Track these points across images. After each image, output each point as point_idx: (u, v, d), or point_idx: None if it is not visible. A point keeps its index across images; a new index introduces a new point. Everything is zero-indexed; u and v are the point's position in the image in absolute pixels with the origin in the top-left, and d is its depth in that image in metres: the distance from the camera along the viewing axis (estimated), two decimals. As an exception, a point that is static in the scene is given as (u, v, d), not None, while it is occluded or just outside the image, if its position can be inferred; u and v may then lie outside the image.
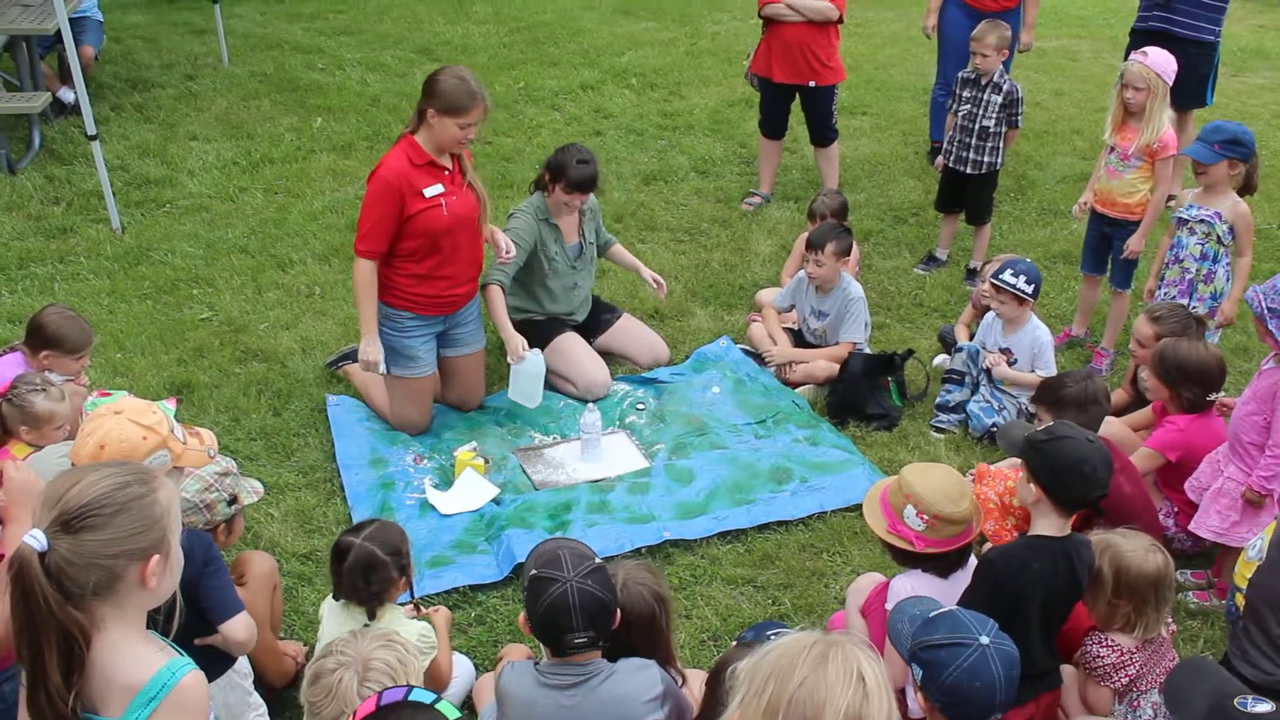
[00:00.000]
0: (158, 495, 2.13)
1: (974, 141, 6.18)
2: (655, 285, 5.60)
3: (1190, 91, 6.65)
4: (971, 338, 5.50)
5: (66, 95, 8.03)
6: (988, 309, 5.42)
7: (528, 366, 5.01)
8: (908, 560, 3.44)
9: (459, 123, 4.53)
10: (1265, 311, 3.83)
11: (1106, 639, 3.35)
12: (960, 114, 6.23)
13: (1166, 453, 4.35)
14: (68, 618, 2.03)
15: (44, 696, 2.05)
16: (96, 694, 2.11)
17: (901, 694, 3.22)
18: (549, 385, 5.28)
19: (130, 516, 2.08)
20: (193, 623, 2.82)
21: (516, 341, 5.02)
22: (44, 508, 2.07)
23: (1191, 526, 4.13)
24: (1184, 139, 6.29)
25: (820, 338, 5.61)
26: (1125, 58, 6.61)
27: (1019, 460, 3.44)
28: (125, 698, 2.10)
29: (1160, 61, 5.21)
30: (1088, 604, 3.37)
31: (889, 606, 3.31)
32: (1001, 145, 6.22)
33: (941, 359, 5.57)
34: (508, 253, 5.01)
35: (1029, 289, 5.13)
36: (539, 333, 5.31)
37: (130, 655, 2.13)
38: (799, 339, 5.69)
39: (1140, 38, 6.66)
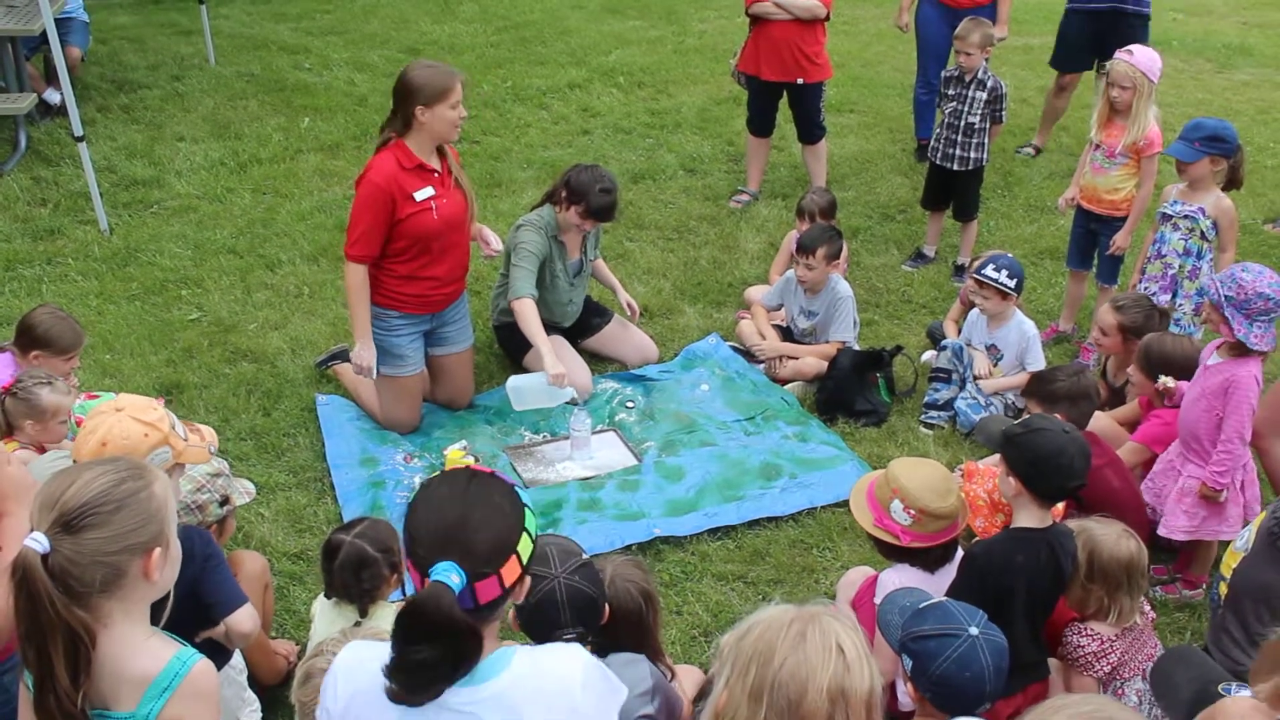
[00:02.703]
0: (153, 489, 2.16)
1: (959, 138, 6.21)
2: (629, 310, 5.61)
3: None
4: (960, 333, 5.53)
5: (52, 96, 8.01)
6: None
7: (555, 393, 4.97)
8: (893, 554, 3.47)
9: (449, 104, 4.52)
10: (1222, 300, 3.85)
11: (1086, 628, 3.38)
12: (946, 111, 6.26)
13: (1153, 446, 4.38)
14: (73, 618, 2.05)
15: (53, 699, 2.07)
16: (107, 689, 2.13)
17: (891, 686, 3.24)
18: None
19: (129, 512, 2.11)
20: (191, 618, 2.83)
21: (561, 369, 4.89)
22: (42, 510, 2.09)
23: (1162, 532, 4.12)
24: None
25: (809, 336, 5.63)
26: (1060, 37, 7.50)
27: (1003, 456, 3.47)
28: (138, 690, 2.13)
29: (1146, 61, 5.24)
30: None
31: (878, 601, 3.33)
32: (987, 141, 6.26)
33: (930, 355, 5.59)
34: (495, 249, 5.02)
35: (1011, 283, 5.16)
36: (523, 337, 5.30)
37: (139, 648, 2.16)
38: (787, 336, 5.71)
39: (1085, 18, 7.34)
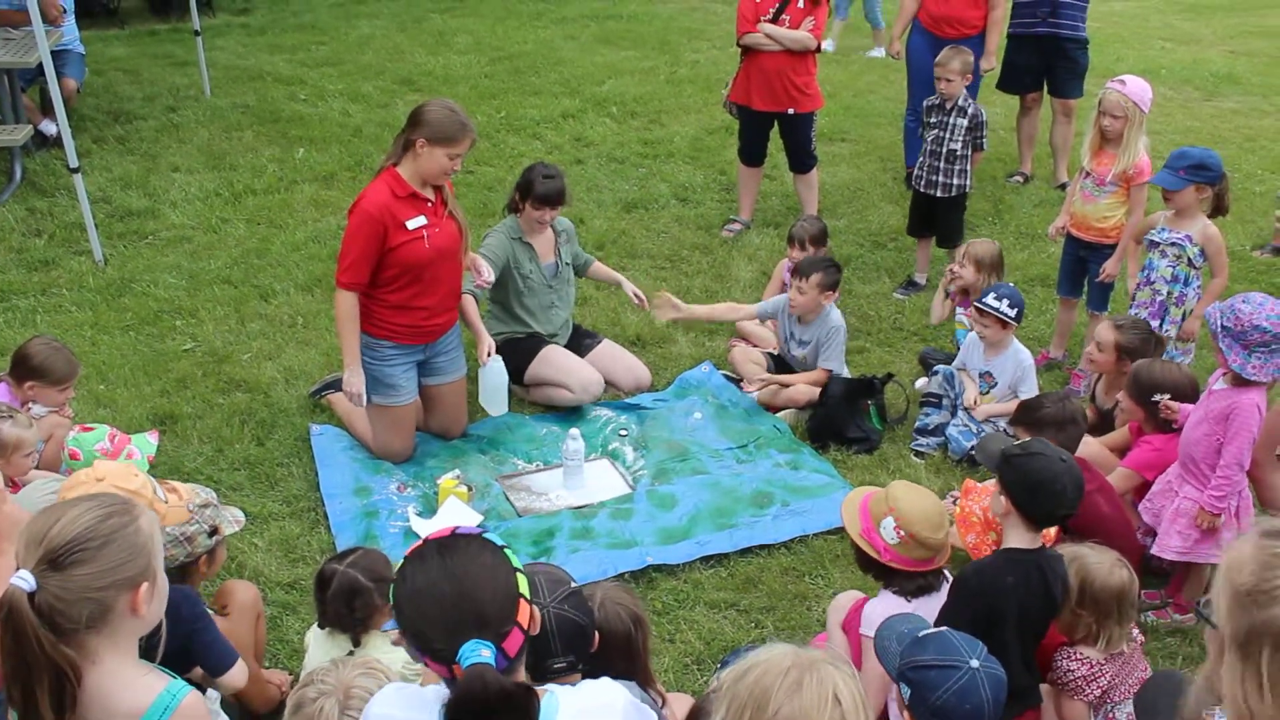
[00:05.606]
0: (139, 523, 2.16)
1: (942, 165, 6.28)
2: (636, 300, 5.67)
3: (1077, 83, 7.85)
4: (952, 312, 5.56)
5: (48, 128, 8.06)
6: (964, 291, 5.48)
7: (488, 375, 5.07)
8: (869, 568, 3.49)
9: (449, 153, 4.58)
10: (1219, 329, 3.87)
11: (1075, 653, 3.38)
12: (928, 138, 6.33)
13: (1144, 472, 4.39)
14: (60, 656, 2.05)
15: None
16: None
17: (883, 715, 3.24)
18: (539, 408, 5.42)
19: (116, 547, 2.11)
20: (182, 666, 2.83)
21: (486, 343, 5.08)
22: (28, 548, 2.08)
23: (1154, 550, 4.13)
24: (1072, 128, 7.92)
25: (802, 364, 5.65)
26: (1006, 63, 7.84)
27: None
28: None
29: (1137, 90, 5.30)
30: None
31: (864, 631, 3.35)
32: (969, 168, 6.32)
33: (922, 382, 5.62)
34: (487, 279, 5.07)
35: (1012, 313, 5.19)
36: (523, 348, 5.38)
37: (129, 682, 2.15)
38: (781, 365, 5.73)
39: (1025, 42, 7.70)
